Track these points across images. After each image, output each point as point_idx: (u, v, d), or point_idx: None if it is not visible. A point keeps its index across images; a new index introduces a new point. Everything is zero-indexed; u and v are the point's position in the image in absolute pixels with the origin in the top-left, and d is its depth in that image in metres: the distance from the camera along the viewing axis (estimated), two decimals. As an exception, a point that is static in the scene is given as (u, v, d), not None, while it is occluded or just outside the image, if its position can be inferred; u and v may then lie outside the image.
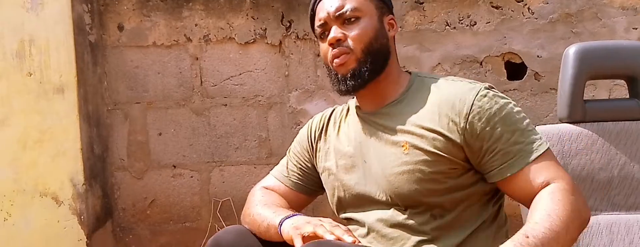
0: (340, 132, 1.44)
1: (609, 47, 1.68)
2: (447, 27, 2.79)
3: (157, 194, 2.92)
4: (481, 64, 2.78)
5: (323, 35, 1.35)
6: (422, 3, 2.79)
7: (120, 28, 2.88)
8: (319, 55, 2.84)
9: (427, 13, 2.78)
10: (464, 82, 1.31)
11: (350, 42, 1.30)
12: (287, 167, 1.52)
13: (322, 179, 1.47)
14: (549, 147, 1.25)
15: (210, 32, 2.86)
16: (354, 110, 1.43)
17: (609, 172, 1.58)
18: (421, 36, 2.79)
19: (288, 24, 2.84)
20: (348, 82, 1.31)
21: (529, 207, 1.20)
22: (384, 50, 1.33)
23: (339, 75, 1.32)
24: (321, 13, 1.34)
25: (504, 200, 1.36)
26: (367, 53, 1.30)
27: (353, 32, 1.30)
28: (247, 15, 2.85)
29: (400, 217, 1.28)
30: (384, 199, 1.30)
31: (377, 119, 1.35)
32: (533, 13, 2.75)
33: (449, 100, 1.26)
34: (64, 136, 2.63)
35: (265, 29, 2.84)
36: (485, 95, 1.25)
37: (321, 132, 1.48)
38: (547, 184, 1.19)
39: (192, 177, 2.92)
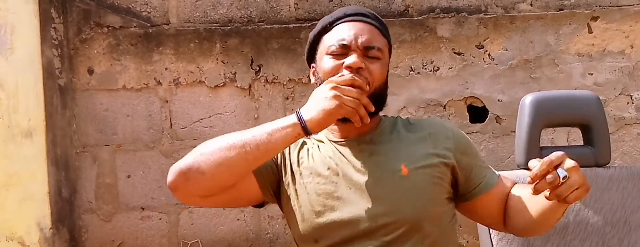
0: (314, 157, 1.40)
1: (563, 97, 1.76)
2: (412, 72, 2.88)
3: (125, 236, 2.90)
4: (444, 107, 2.87)
5: (336, 54, 1.34)
6: (387, 49, 2.88)
7: (90, 72, 2.91)
8: (287, 98, 2.90)
9: (392, 58, 2.86)
10: (435, 118, 1.51)
11: (368, 76, 1.32)
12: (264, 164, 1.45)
13: (285, 198, 1.41)
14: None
15: (180, 76, 2.90)
16: (325, 139, 1.44)
17: (565, 217, 1.64)
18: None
19: (257, 68, 2.90)
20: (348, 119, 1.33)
21: (503, 216, 1.37)
22: (386, 94, 1.41)
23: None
24: (347, 35, 1.34)
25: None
26: (376, 94, 1.34)
27: (373, 69, 1.33)
28: (217, 59, 2.90)
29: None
30: (371, 226, 1.29)
31: (362, 145, 1.38)
32: (493, 59, 2.86)
33: (433, 126, 1.41)
34: (32, 179, 2.63)
35: (235, 72, 2.90)
36: (458, 130, 1.45)
37: (295, 150, 1.44)
38: (514, 184, 1.40)
39: (160, 219, 2.92)
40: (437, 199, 1.34)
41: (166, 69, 2.91)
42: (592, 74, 2.85)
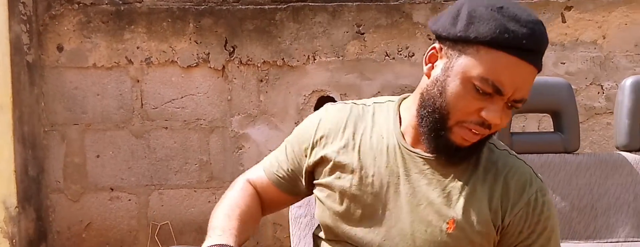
0: (361, 148, 1.16)
1: (534, 83, 1.77)
2: (387, 57, 2.87)
3: (93, 217, 2.87)
4: (418, 93, 2.87)
5: (482, 92, 1.03)
6: (363, 33, 2.87)
7: (60, 49, 2.85)
8: (261, 80, 2.87)
9: (367, 43, 2.87)
10: (526, 165, 1.15)
11: (494, 128, 1.07)
12: (277, 162, 1.26)
13: (317, 194, 1.21)
14: None
15: (152, 55, 2.86)
16: (390, 132, 1.16)
17: (533, 202, 1.66)
18: (362, 65, 2.87)
19: (231, 49, 2.87)
20: (454, 153, 1.08)
21: None
22: None
23: (447, 140, 1.07)
24: (509, 80, 1.01)
25: None
26: (485, 138, 1.09)
27: (503, 122, 1.06)
28: (190, 39, 2.86)
29: None
30: None
31: (426, 168, 1.12)
32: (468, 46, 2.87)
33: (507, 186, 1.11)
34: (-3, 157, 2.58)
35: (209, 53, 2.86)
36: (544, 195, 1.12)
37: (331, 136, 1.19)
38: None
39: (130, 200, 2.88)
40: None
41: (138, 47, 2.86)
42: (564, 63, 2.88)
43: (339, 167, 1.16)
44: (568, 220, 1.65)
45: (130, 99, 2.87)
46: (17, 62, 2.65)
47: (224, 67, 2.87)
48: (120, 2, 2.85)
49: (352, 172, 1.14)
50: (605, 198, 1.66)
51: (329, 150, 1.17)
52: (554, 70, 2.86)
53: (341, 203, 1.15)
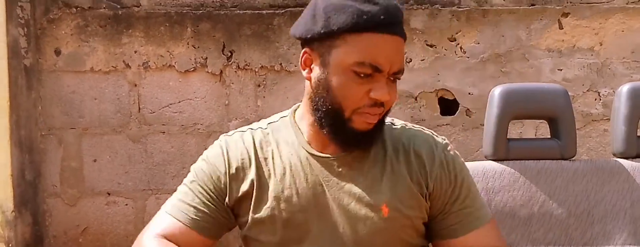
0: (276, 171, 1.17)
1: (531, 89, 1.78)
2: (384, 62, 2.88)
3: (90, 221, 2.86)
4: (416, 99, 2.88)
5: (363, 75, 1.08)
6: (360, 38, 2.87)
7: (57, 53, 2.85)
8: (259, 85, 2.88)
9: (365, 48, 2.87)
10: (425, 132, 1.23)
11: (386, 105, 1.12)
12: (191, 205, 1.19)
13: (247, 234, 1.20)
14: (494, 217, 1.25)
15: (150, 59, 2.86)
16: (296, 146, 1.18)
17: (530, 209, 1.66)
18: (359, 70, 2.87)
19: (229, 54, 2.87)
20: (360, 139, 1.13)
21: None
22: None
23: (352, 129, 1.11)
24: (382, 57, 1.08)
25: None
26: (385, 115, 1.16)
27: (393, 96, 1.12)
28: (187, 43, 2.86)
29: None
30: None
31: (341, 167, 1.16)
32: (465, 52, 2.87)
33: (419, 155, 1.18)
34: (-6, 161, 2.57)
35: (206, 58, 2.86)
36: (452, 153, 1.21)
37: (244, 173, 1.18)
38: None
39: (126, 205, 2.88)
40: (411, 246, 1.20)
41: (135, 52, 2.86)
42: (561, 70, 2.89)
43: (262, 198, 1.16)
44: (565, 227, 1.65)
45: (128, 103, 2.87)
46: (14, 66, 2.65)
47: (221, 71, 2.87)
48: (118, 6, 2.85)
49: (277, 198, 1.16)
50: (602, 205, 1.66)
51: (247, 183, 1.17)
52: (551, 76, 2.87)
53: (275, 233, 1.16)
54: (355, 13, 1.07)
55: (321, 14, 1.10)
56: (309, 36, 1.12)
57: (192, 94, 2.88)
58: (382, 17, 1.08)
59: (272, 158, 1.18)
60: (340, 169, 1.16)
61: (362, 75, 1.08)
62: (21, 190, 2.67)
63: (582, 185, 1.68)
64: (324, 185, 1.16)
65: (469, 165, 1.70)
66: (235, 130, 1.25)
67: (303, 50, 1.15)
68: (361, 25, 1.07)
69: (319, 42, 1.11)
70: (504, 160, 1.70)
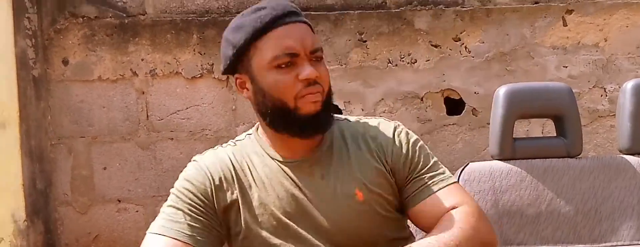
0: (255, 181, 1.25)
1: (536, 88, 1.79)
2: (389, 64, 2.89)
3: (101, 229, 2.89)
4: (422, 99, 2.88)
5: (285, 65, 1.17)
6: (365, 41, 2.89)
7: (65, 62, 2.88)
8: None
9: (370, 51, 2.88)
10: (376, 119, 1.33)
11: (321, 82, 1.19)
12: (183, 222, 1.22)
13: (240, 242, 1.25)
14: (457, 181, 1.31)
15: (157, 67, 2.88)
16: (266, 158, 1.26)
17: (537, 207, 1.66)
18: (364, 73, 2.88)
19: (235, 60, 2.88)
20: (316, 122, 1.20)
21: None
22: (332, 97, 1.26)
23: (304, 115, 1.18)
24: (291, 41, 1.17)
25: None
26: (328, 96, 1.23)
27: (322, 72, 1.20)
28: (194, 50, 2.88)
29: None
30: None
31: (312, 168, 1.24)
32: (470, 52, 2.88)
33: (375, 138, 1.28)
34: (5, 171, 2.60)
35: (212, 64, 2.88)
36: (402, 130, 1.31)
37: (227, 183, 1.25)
38: (453, 208, 1.23)
39: (137, 211, 2.90)
40: (392, 220, 1.28)
41: (142, 59, 2.88)
42: (566, 67, 2.89)
43: (249, 207, 1.23)
44: (573, 224, 1.65)
45: (136, 110, 2.89)
46: (23, 76, 2.68)
47: (228, 77, 2.89)
48: (124, 15, 2.88)
49: (263, 205, 1.23)
50: (609, 202, 1.67)
51: (231, 193, 1.24)
52: (556, 74, 2.87)
53: (267, 237, 1.22)
54: (250, 24, 1.20)
55: (227, 43, 1.23)
56: (229, 63, 1.23)
57: (200, 100, 2.90)
58: (273, 14, 1.19)
59: (249, 169, 1.26)
60: (310, 169, 1.24)
61: (283, 65, 1.17)
62: (33, 199, 2.70)
63: (589, 182, 1.68)
64: (300, 186, 1.23)
65: (476, 165, 1.71)
66: (207, 150, 1.32)
67: (234, 78, 1.25)
68: (259, 29, 1.18)
69: (239, 63, 1.22)
70: (510, 159, 1.71)
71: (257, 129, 1.31)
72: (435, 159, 1.31)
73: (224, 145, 1.32)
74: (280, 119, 1.20)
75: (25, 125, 2.66)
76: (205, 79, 2.89)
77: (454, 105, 2.91)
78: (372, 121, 1.33)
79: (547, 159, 1.72)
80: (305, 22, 1.23)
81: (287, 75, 1.17)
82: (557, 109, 1.74)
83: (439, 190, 1.26)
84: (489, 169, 1.70)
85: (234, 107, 2.90)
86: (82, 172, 2.88)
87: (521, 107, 1.72)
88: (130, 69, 2.88)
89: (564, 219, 1.66)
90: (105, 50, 2.87)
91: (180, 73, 2.89)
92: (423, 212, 1.25)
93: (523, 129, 2.84)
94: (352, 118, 1.35)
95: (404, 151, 1.28)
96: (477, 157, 2.83)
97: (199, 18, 2.88)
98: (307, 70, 1.17)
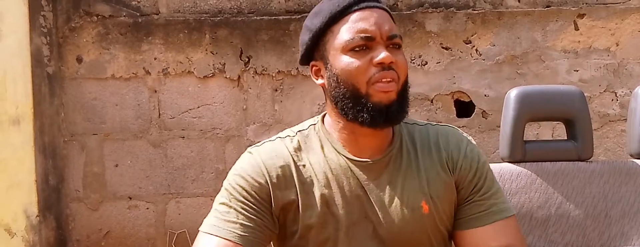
0: (318, 176, 1.19)
1: (547, 91, 1.79)
2: (400, 65, 2.90)
3: (112, 225, 2.91)
4: (432, 101, 2.89)
5: (359, 49, 1.13)
6: (376, 42, 2.90)
7: (79, 60, 2.91)
8: (276, 90, 2.91)
9: (381, 52, 2.89)
10: (446, 127, 1.28)
11: (397, 69, 1.14)
12: (236, 222, 1.17)
13: (295, 240, 1.20)
14: (515, 214, 1.26)
15: (169, 66, 2.91)
16: (332, 152, 1.20)
17: (547, 210, 1.66)
18: (375, 74, 2.89)
19: (247, 60, 2.91)
20: (388, 112, 1.13)
21: None
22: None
23: (375, 104, 1.13)
24: (367, 25, 1.14)
25: None
26: (404, 88, 1.17)
27: (400, 60, 1.15)
28: (206, 50, 2.91)
29: None
30: None
31: (381, 171, 1.19)
32: (480, 54, 2.89)
33: (446, 147, 1.23)
34: (19, 167, 2.62)
35: (224, 63, 2.90)
36: (473, 147, 1.25)
37: (286, 181, 1.18)
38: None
39: (147, 208, 2.93)
40: (444, 238, 1.24)
41: (155, 58, 2.91)
42: (577, 71, 2.89)
43: (309, 204, 1.17)
44: (582, 228, 1.65)
45: (148, 109, 2.91)
46: (37, 73, 2.71)
47: (239, 77, 2.91)
48: (138, 14, 2.91)
49: (325, 203, 1.17)
50: (619, 205, 1.67)
51: (291, 190, 1.18)
52: (567, 77, 2.87)
53: (326, 237, 1.18)
54: (327, 9, 1.17)
55: (305, 29, 1.20)
56: (305, 49, 1.20)
57: (211, 99, 2.92)
58: (351, 0, 1.16)
59: (310, 164, 1.19)
60: (378, 173, 1.19)
61: (357, 49, 1.14)
62: (45, 195, 2.73)
63: (599, 186, 1.68)
64: (365, 188, 1.18)
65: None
66: (264, 140, 1.25)
67: (310, 65, 1.22)
68: (336, 12, 1.15)
69: (315, 49, 1.19)
70: (520, 162, 1.72)
71: (322, 119, 1.25)
72: (498, 185, 1.27)
73: (284, 135, 1.24)
74: (351, 105, 1.14)
75: (39, 121, 2.69)
76: (217, 78, 2.91)
77: (464, 108, 2.92)
78: (442, 129, 1.27)
79: (558, 163, 1.71)
80: (384, 9, 1.18)
81: (361, 59, 1.13)
82: (568, 112, 1.74)
83: (494, 221, 1.21)
84: (499, 171, 1.70)
85: (244, 106, 2.92)
86: (94, 169, 2.91)
87: (532, 109, 1.72)
88: (143, 68, 2.91)
89: (574, 222, 1.66)
90: (119, 48, 2.90)
91: (193, 72, 2.91)
92: (473, 239, 1.21)
93: (533, 132, 2.85)
94: (421, 122, 1.29)
95: (473, 169, 1.23)
96: (487, 159, 2.83)
97: (211, 18, 2.91)
98: (382, 54, 1.12)
